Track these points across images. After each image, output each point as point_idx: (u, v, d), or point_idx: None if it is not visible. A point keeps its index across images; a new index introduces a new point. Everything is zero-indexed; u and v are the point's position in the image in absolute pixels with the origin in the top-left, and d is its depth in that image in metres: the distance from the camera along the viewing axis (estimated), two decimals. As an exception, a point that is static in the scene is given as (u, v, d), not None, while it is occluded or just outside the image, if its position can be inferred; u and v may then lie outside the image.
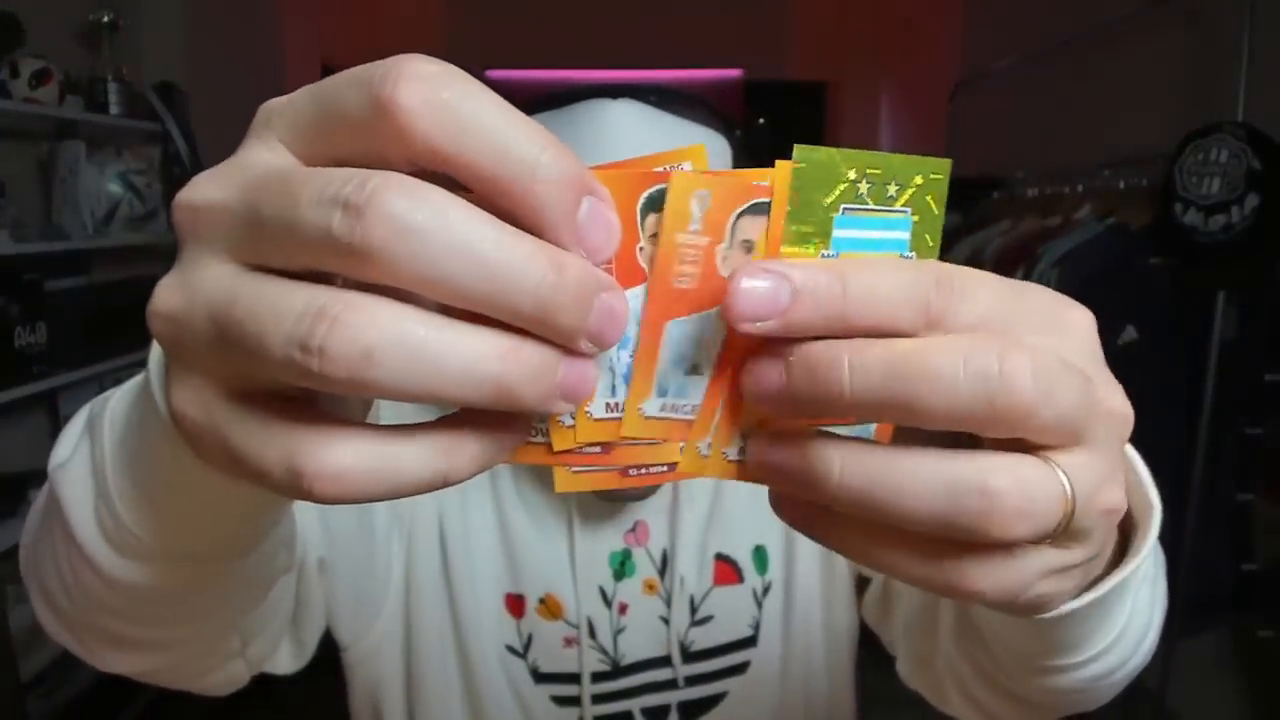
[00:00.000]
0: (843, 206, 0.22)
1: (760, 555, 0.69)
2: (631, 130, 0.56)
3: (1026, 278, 2.39)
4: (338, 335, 0.18)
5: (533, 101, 0.59)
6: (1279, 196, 1.66)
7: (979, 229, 2.55)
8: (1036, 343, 0.21)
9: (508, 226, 0.19)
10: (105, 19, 2.32)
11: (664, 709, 0.67)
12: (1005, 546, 0.22)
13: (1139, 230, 1.96)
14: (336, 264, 0.18)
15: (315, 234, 0.18)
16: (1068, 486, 0.21)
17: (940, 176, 0.23)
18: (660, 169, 0.22)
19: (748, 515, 0.69)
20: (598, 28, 4.60)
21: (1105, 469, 0.22)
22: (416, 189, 0.18)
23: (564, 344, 0.20)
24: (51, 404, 2.24)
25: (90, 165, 2.20)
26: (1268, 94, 1.79)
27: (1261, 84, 1.79)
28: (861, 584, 0.71)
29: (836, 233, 0.22)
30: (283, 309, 0.18)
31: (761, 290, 0.20)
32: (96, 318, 2.21)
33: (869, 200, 0.22)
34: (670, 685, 0.67)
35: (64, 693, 1.99)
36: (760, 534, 0.69)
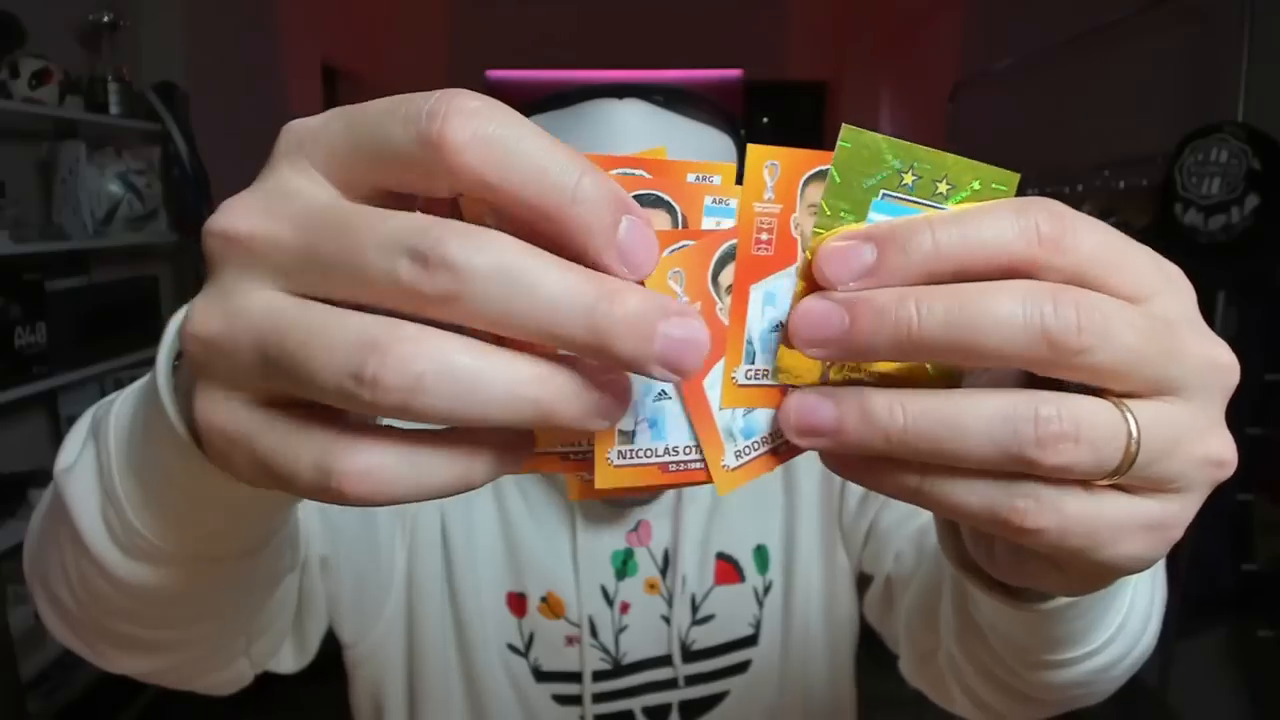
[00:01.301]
0: (882, 192, 0.23)
1: (761, 555, 0.69)
2: (638, 129, 0.56)
3: (1026, 278, 2.42)
4: (390, 366, 0.19)
5: (539, 101, 0.59)
6: (1279, 197, 1.66)
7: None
8: (1129, 289, 0.22)
9: (562, 262, 0.20)
10: (105, 19, 2.32)
11: (665, 708, 0.67)
12: (1077, 484, 0.22)
13: (1139, 230, 1.96)
14: (402, 305, 0.19)
15: (382, 278, 0.19)
16: (1132, 425, 0.21)
17: (1004, 189, 0.23)
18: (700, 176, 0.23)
19: (749, 515, 0.69)
20: (597, 28, 4.61)
21: (1200, 417, 0.23)
22: (478, 234, 0.19)
23: (635, 371, 0.20)
24: (51, 404, 2.24)
25: (90, 165, 2.20)
26: (1268, 94, 1.79)
27: (1261, 84, 1.79)
28: (863, 582, 0.71)
29: (872, 215, 0.23)
30: (335, 340, 0.19)
31: (848, 250, 0.22)
32: (96, 318, 2.21)
33: (914, 192, 0.23)
34: (671, 684, 0.67)
35: (64, 692, 1.99)
36: (761, 533, 0.69)
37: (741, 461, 0.25)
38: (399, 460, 0.20)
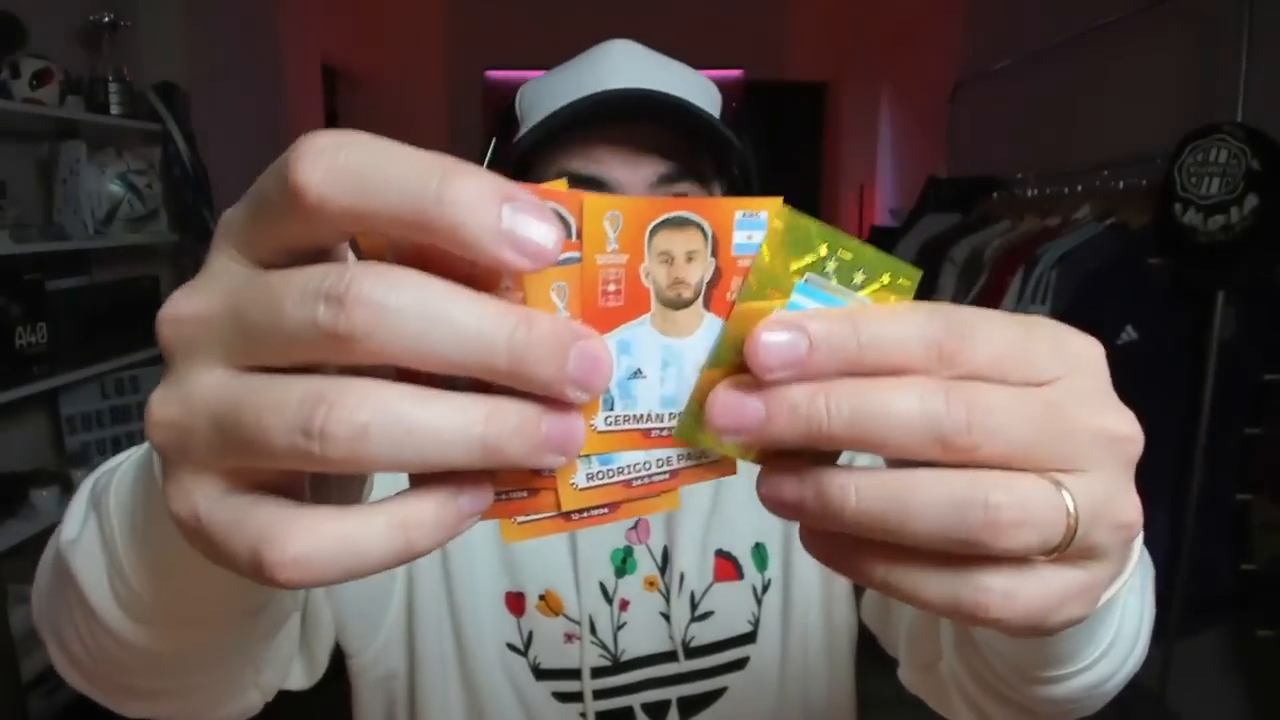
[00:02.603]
0: (807, 275, 0.23)
1: (760, 552, 0.69)
2: (631, 61, 0.63)
3: (1026, 278, 2.33)
4: (334, 418, 0.19)
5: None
6: (1278, 197, 1.66)
7: (979, 229, 2.55)
8: (1030, 380, 0.23)
9: (477, 294, 0.20)
10: (105, 19, 2.33)
11: (664, 704, 0.67)
12: (1019, 562, 0.23)
13: (1139, 230, 1.97)
14: (326, 351, 0.19)
15: (302, 327, 0.19)
16: (1070, 502, 0.22)
17: (908, 284, 0.24)
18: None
19: (748, 513, 0.69)
20: (598, 28, 4.60)
21: (1110, 487, 0.23)
22: (390, 272, 0.19)
23: (552, 395, 0.21)
24: (52, 404, 2.24)
25: (91, 165, 2.20)
26: (1268, 94, 1.79)
27: (1261, 84, 1.79)
28: (859, 586, 0.71)
29: (795, 297, 0.23)
30: (282, 400, 0.20)
31: (783, 342, 0.22)
32: (97, 318, 2.22)
33: (833, 278, 0.24)
34: (670, 680, 0.67)
35: (65, 692, 2.00)
36: (760, 531, 0.69)
37: (592, 484, 0.25)
38: (331, 541, 0.20)
